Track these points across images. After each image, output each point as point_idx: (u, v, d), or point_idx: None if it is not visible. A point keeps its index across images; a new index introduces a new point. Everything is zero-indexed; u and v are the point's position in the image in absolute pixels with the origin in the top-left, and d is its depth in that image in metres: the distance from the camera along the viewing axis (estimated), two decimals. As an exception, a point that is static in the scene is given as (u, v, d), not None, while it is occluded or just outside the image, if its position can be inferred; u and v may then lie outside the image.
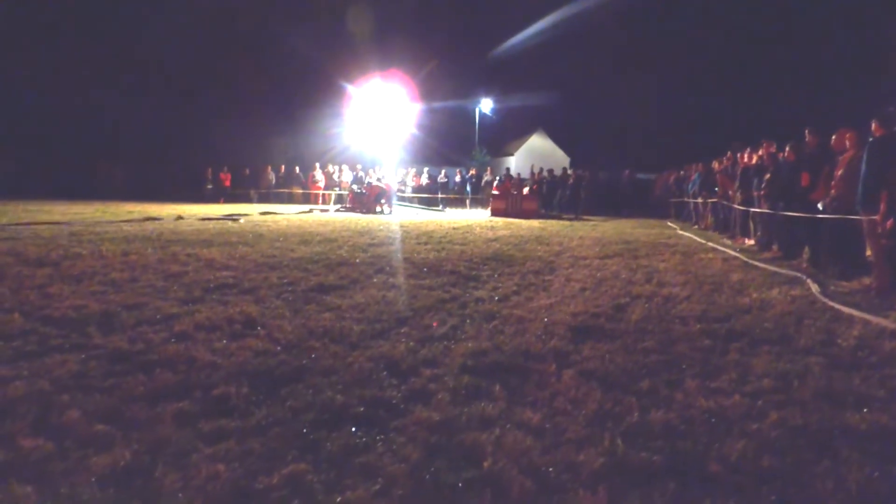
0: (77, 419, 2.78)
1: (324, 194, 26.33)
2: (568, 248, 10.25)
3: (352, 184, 24.34)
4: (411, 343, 4.15)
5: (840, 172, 7.54)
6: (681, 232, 14.67)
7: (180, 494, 2.21)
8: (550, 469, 2.46)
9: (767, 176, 10.16)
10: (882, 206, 6.16)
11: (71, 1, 37.30)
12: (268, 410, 2.95)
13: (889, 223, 6.12)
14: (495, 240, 11.43)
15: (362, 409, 3.01)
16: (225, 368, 3.53)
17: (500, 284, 6.54)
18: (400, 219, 17.21)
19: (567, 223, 17.58)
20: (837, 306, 5.59)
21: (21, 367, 3.42)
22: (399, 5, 49.33)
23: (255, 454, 2.52)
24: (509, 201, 20.52)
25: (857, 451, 2.64)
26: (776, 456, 2.61)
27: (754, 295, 6.20)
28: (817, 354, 4.10)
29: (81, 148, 32.33)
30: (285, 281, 6.32)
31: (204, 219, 14.58)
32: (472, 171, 28.29)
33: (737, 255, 9.52)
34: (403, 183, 27.42)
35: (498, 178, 25.37)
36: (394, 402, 3.12)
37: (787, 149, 9.59)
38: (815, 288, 6.46)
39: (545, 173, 26.24)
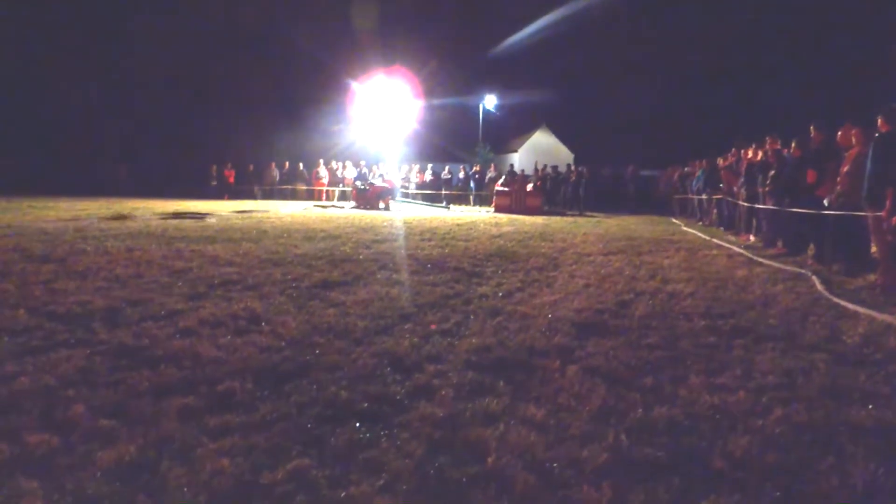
0: (82, 414, 2.79)
1: (327, 191, 26.36)
2: (572, 245, 10.24)
3: (355, 180, 24.34)
4: (415, 339, 4.15)
5: (846, 169, 7.50)
6: (685, 228, 14.64)
7: (185, 489, 2.21)
8: (554, 465, 2.46)
9: (772, 172, 10.12)
10: (888, 203, 6.13)
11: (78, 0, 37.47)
12: (272, 406, 2.96)
13: (895, 220, 6.09)
14: (499, 236, 11.43)
15: (366, 404, 3.02)
16: (229, 364, 3.54)
17: (503, 281, 6.53)
18: (403, 215, 17.20)
19: (571, 220, 17.55)
20: (842, 303, 5.57)
21: (26, 363, 3.44)
22: (402, 2, 49.32)
23: (259, 449, 2.52)
24: (513, 198, 20.47)
25: (862, 448, 2.63)
26: (780, 452, 2.61)
27: (759, 291, 6.19)
28: (822, 351, 4.09)
29: (85, 145, 32.45)
30: (289, 277, 6.33)
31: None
32: (476, 168, 28.25)
33: (741, 251, 9.49)
34: (407, 179, 27.41)
35: (504, 175, 25.32)
36: (398, 397, 3.13)
37: (793, 145, 9.55)
38: (819, 285, 6.44)
39: (549, 170, 26.22)
